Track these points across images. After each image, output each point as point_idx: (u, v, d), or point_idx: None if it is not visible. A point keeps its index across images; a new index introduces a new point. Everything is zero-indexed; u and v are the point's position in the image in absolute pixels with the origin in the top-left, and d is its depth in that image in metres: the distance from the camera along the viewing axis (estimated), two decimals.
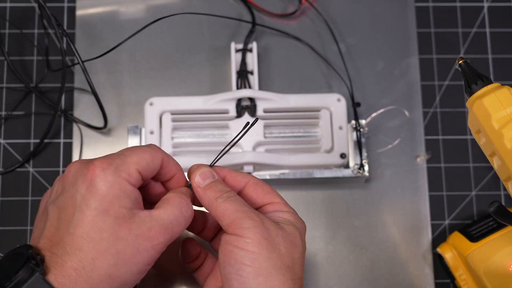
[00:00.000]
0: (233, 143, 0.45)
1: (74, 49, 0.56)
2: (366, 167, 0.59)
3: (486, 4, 0.67)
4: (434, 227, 0.61)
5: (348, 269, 0.60)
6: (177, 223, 0.41)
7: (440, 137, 0.64)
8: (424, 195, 0.62)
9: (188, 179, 0.44)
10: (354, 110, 0.61)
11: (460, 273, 0.58)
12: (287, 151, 0.60)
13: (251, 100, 0.60)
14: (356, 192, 0.62)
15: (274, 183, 0.60)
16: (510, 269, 0.53)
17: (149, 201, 0.44)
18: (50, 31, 0.64)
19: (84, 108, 0.63)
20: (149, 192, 0.44)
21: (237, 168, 0.59)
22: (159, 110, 0.59)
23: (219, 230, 0.47)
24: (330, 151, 0.59)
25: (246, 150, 0.59)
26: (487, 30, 0.67)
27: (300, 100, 0.60)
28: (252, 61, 0.62)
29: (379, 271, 0.60)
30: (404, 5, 0.67)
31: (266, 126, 0.60)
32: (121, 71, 0.64)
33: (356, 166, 0.59)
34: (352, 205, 0.61)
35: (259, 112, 0.60)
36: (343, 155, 0.59)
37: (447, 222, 0.62)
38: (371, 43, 0.66)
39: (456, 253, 0.58)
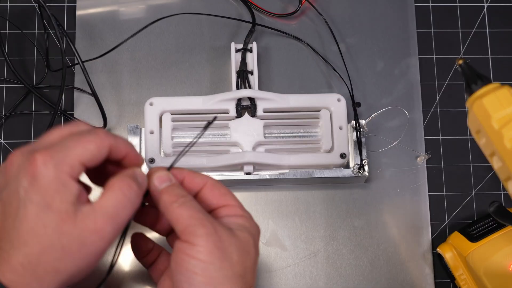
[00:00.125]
0: (191, 144, 0.44)
1: (74, 49, 0.56)
2: (366, 167, 0.59)
3: (486, 4, 0.67)
4: (434, 227, 0.61)
5: (348, 269, 0.60)
6: (122, 206, 0.39)
7: (440, 137, 0.64)
8: (424, 195, 0.62)
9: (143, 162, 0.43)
10: (354, 110, 0.61)
11: (460, 273, 0.58)
12: (287, 151, 0.60)
13: (251, 100, 0.60)
14: (356, 192, 0.62)
15: (274, 183, 0.60)
16: (510, 269, 0.53)
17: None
18: (50, 31, 0.64)
19: (84, 108, 0.63)
20: (105, 172, 0.43)
21: (237, 168, 0.59)
22: (159, 110, 0.59)
23: None
24: (330, 151, 0.59)
25: (246, 150, 0.59)
26: (487, 30, 0.67)
27: (300, 100, 0.60)
28: (252, 61, 0.62)
29: (379, 271, 0.60)
30: (404, 5, 0.67)
31: (266, 126, 0.60)
32: (121, 71, 0.64)
33: (356, 166, 0.59)
34: (352, 205, 0.61)
35: (259, 112, 0.60)
36: (343, 155, 0.59)
37: (447, 222, 0.62)
38: (371, 43, 0.66)
39: (456, 253, 0.58)
